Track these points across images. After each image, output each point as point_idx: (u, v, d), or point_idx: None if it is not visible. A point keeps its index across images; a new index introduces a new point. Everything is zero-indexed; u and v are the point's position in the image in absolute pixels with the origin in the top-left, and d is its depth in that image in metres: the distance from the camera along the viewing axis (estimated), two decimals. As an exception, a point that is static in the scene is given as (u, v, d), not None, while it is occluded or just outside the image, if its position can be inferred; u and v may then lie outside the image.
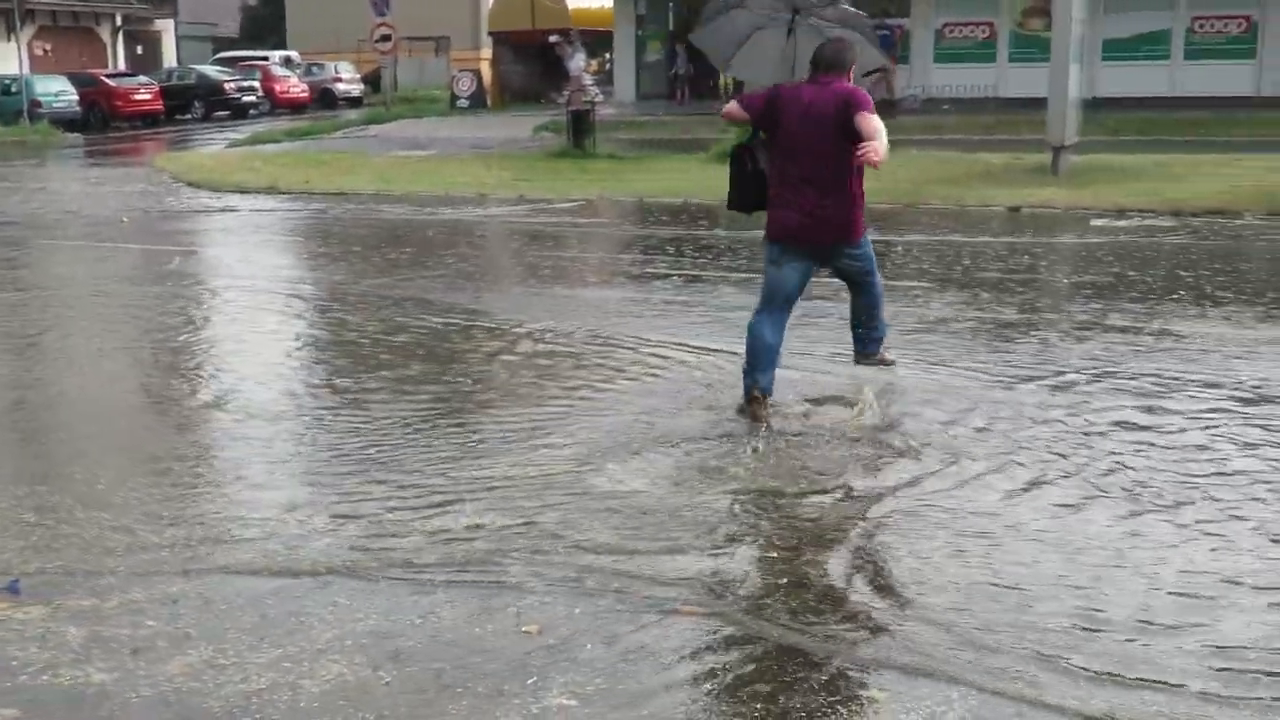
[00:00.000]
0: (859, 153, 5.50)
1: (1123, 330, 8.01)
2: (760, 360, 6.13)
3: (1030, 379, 6.83)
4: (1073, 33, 16.04)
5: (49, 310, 9.63)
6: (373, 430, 6.10)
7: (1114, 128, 21.69)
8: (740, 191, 6.50)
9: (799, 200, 6.04)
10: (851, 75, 6.16)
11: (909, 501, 4.98)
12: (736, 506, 5.01)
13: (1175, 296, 9.18)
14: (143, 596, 4.16)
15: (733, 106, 6.34)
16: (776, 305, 6.23)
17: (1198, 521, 4.68)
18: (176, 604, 4.10)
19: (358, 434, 6.06)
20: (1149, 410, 6.13)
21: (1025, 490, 5.06)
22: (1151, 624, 3.85)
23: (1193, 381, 6.64)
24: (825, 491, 5.18)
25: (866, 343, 6.46)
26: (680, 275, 10.60)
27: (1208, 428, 5.82)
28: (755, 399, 6.10)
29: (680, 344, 7.76)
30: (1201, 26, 26.43)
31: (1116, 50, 26.73)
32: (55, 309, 9.69)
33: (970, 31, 27.82)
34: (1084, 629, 3.82)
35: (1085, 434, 5.77)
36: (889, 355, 6.61)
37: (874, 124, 5.61)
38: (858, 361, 6.54)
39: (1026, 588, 4.14)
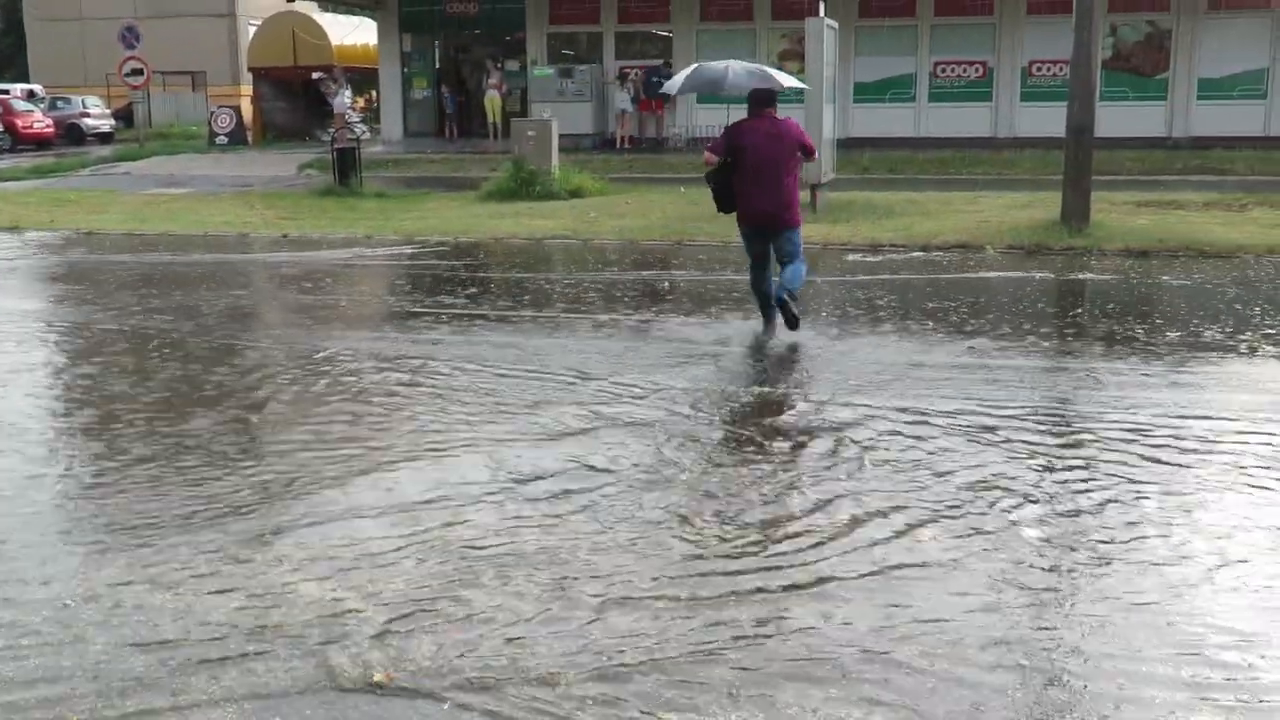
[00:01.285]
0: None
1: (863, 344, 8.42)
2: (765, 297, 9.32)
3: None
4: (825, 75, 16.58)
5: None
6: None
7: (866, 166, 22.58)
8: (724, 202, 9.37)
9: (753, 198, 9.04)
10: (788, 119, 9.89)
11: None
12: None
13: (920, 326, 9.67)
14: None
15: (709, 155, 9.32)
16: (757, 264, 9.35)
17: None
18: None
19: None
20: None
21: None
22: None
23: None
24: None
25: (785, 310, 8.88)
26: (445, 313, 10.52)
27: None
28: (766, 321, 9.41)
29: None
30: (943, 71, 27.69)
31: (866, 93, 27.85)
32: None
33: (730, 73, 28.57)
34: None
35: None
36: (795, 309, 8.90)
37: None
38: (780, 306, 8.95)
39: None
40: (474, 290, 12.02)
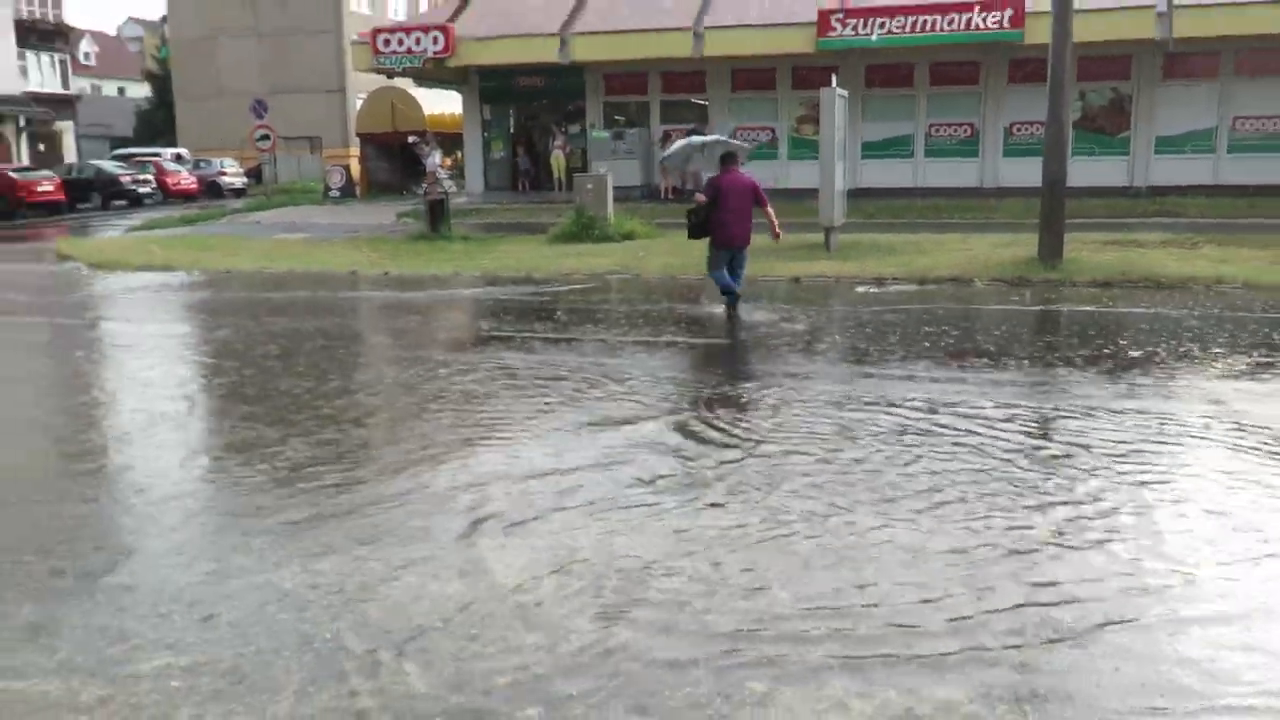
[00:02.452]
0: (766, 211, 11.51)
1: (876, 361, 8.42)
2: (726, 286, 11.37)
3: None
4: (836, 136, 16.61)
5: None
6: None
7: (872, 212, 22.59)
8: (698, 229, 11.44)
9: (729, 228, 11.24)
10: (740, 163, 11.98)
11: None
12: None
13: (914, 344, 9.66)
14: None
15: (700, 197, 11.51)
16: (720, 268, 11.42)
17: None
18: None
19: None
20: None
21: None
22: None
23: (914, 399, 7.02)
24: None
25: (736, 293, 11.43)
26: (522, 334, 10.65)
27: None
28: (730, 303, 11.47)
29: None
30: (937, 131, 27.71)
31: (872, 150, 27.87)
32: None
33: (756, 135, 28.67)
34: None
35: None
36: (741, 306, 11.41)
37: (765, 196, 11.52)
38: (732, 302, 11.44)
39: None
40: (544, 315, 12.14)
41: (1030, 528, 5.02)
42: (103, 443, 7.21)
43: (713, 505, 5.42)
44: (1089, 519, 5.13)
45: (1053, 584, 4.39)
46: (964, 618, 4.09)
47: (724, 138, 13.28)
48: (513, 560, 4.74)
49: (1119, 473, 5.80)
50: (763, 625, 4.07)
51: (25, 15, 48.00)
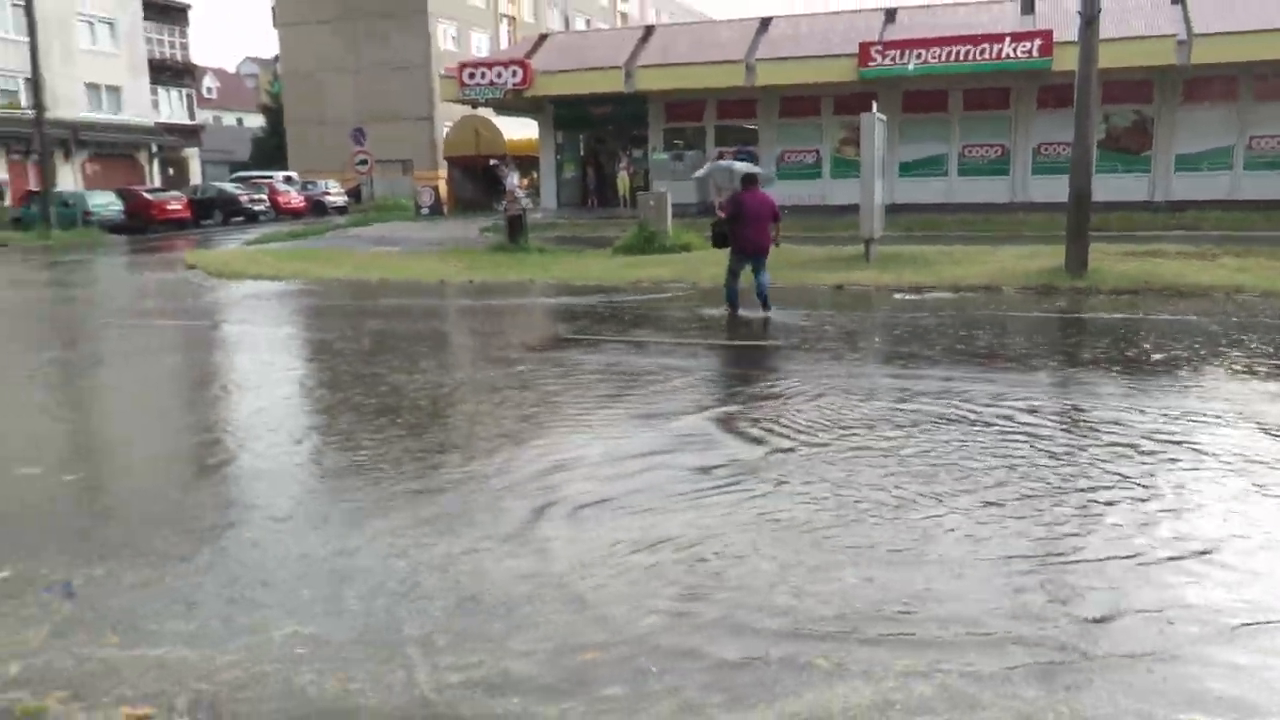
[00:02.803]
0: (776, 225, 11.76)
1: (913, 364, 8.30)
2: (734, 297, 11.77)
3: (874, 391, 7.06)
4: (876, 157, 16.47)
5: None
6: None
7: (908, 226, 22.28)
8: (720, 239, 11.99)
9: (749, 238, 11.55)
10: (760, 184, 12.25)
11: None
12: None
13: (949, 347, 9.51)
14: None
15: (721, 213, 12.11)
16: (735, 276, 11.73)
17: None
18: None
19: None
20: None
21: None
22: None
23: (952, 393, 6.90)
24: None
25: (765, 302, 11.58)
26: (593, 335, 10.68)
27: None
28: (732, 310, 11.76)
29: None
30: (970, 152, 27.33)
31: (908, 169, 27.55)
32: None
33: (802, 157, 28.49)
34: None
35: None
36: (771, 312, 11.50)
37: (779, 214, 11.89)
38: (762, 299, 11.59)
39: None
40: (611, 319, 12.15)
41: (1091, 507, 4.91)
42: (223, 425, 7.35)
43: (778, 487, 5.37)
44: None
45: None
46: (1022, 590, 4.01)
47: (754, 167, 13.82)
48: (594, 537, 4.73)
49: (1159, 460, 5.66)
50: (829, 606, 3.99)
51: (157, 56, 49.31)
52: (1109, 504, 5.04)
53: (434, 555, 4.56)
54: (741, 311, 11.70)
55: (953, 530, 4.72)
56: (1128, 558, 4.36)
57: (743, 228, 11.58)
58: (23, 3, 30.74)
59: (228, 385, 9.04)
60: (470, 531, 4.86)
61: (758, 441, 6.30)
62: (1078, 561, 4.36)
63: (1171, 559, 4.35)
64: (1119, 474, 5.50)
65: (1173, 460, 5.77)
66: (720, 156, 28.11)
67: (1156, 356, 8.90)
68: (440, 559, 4.52)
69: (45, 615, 4.00)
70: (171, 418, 7.87)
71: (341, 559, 4.56)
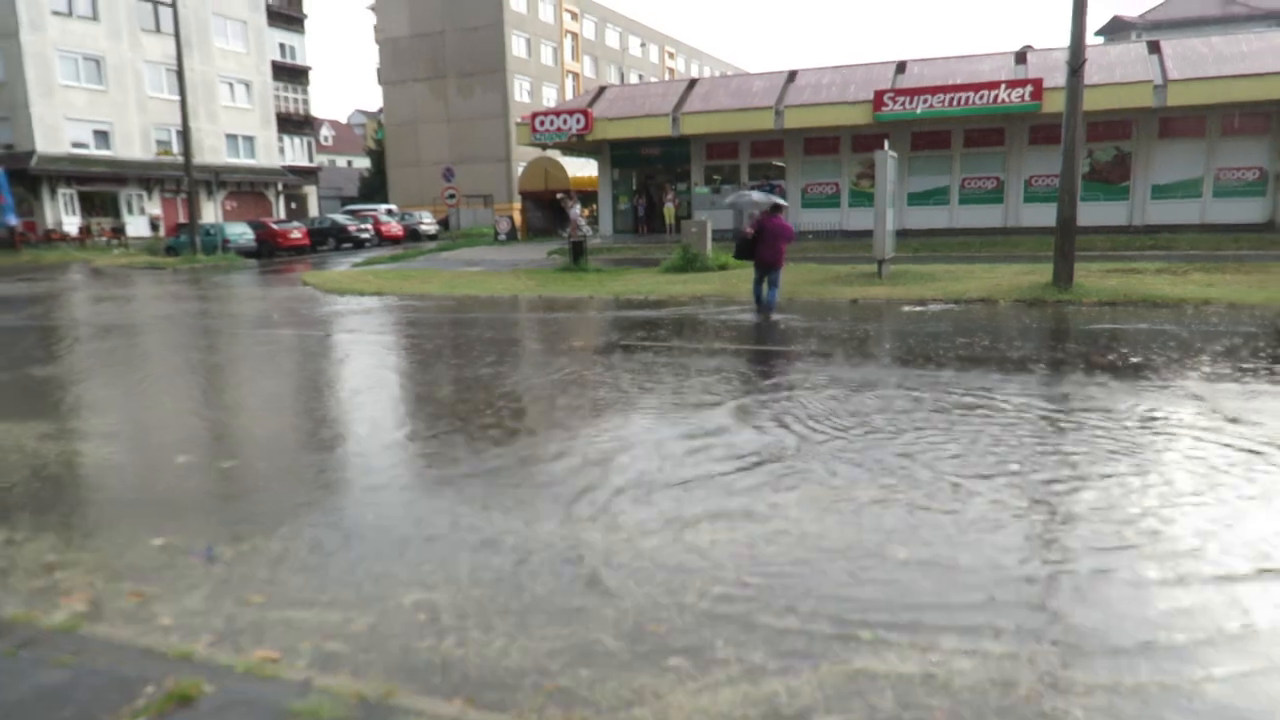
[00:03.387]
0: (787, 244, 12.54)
1: (922, 363, 8.16)
2: (759, 298, 12.67)
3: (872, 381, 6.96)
4: (887, 188, 16.31)
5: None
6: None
7: (916, 248, 22.02)
8: (742, 251, 12.68)
9: (768, 253, 12.41)
10: (785, 214, 13.03)
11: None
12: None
13: (952, 350, 9.35)
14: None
15: (747, 231, 12.64)
16: (759, 283, 12.66)
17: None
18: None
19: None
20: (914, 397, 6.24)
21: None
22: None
23: (963, 388, 6.77)
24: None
25: (770, 306, 12.37)
26: (645, 341, 10.68)
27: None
28: (757, 307, 12.61)
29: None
30: (969, 183, 26.90)
31: (916, 198, 27.19)
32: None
33: (824, 189, 28.24)
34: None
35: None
36: (775, 316, 12.06)
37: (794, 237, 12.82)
38: (767, 312, 12.31)
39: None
40: (659, 325, 12.13)
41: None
42: (333, 414, 7.48)
43: (798, 472, 5.33)
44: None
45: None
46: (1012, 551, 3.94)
47: (772, 197, 13.70)
48: (649, 514, 4.73)
49: (1132, 443, 5.52)
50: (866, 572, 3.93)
51: (283, 110, 50.44)
52: (1093, 478, 4.94)
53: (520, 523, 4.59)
54: (773, 314, 12.44)
55: (959, 507, 4.66)
56: (1111, 522, 4.26)
57: (760, 246, 12.49)
58: (176, 68, 31.64)
59: (333, 381, 9.20)
60: (566, 501, 4.89)
61: (786, 427, 6.25)
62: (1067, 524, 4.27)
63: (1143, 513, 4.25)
64: (1108, 451, 5.38)
65: (1150, 436, 5.63)
66: (754, 190, 28.05)
67: (1134, 359, 8.67)
68: (527, 525, 4.55)
69: (201, 578, 4.10)
70: (283, 405, 8.01)
71: (450, 533, 4.62)
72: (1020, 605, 3.55)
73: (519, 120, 34.92)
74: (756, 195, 14.62)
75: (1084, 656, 3.16)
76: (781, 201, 13.32)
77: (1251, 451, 5.46)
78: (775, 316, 12.41)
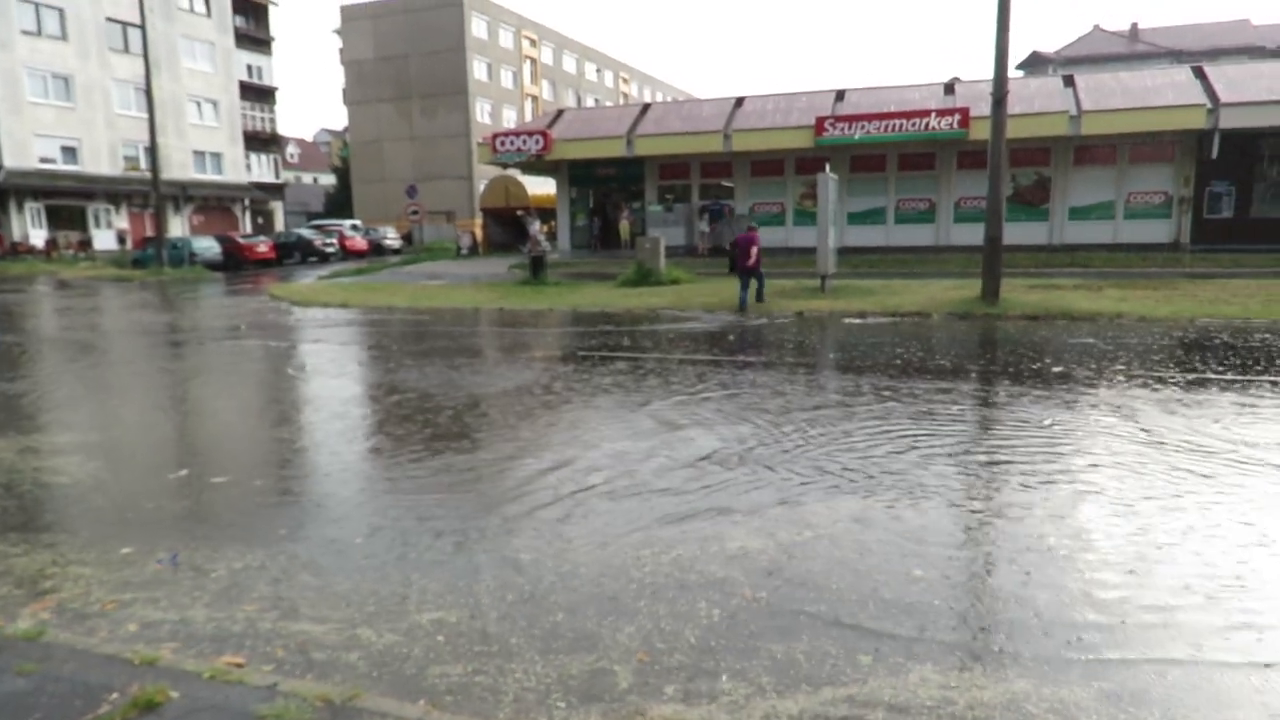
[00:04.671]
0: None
1: (853, 372, 8.26)
2: (742, 298, 14.52)
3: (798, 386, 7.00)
4: (829, 208, 16.50)
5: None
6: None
7: (855, 264, 22.32)
8: (730, 262, 14.93)
9: (738, 261, 14.59)
10: (753, 230, 15.08)
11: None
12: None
13: (885, 360, 9.49)
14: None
15: (742, 247, 14.76)
16: (745, 285, 14.58)
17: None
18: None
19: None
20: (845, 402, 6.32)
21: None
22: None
23: (880, 393, 6.86)
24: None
25: (760, 296, 14.79)
26: (601, 351, 10.64)
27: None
28: (742, 310, 14.25)
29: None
30: (904, 204, 27.33)
31: (856, 218, 27.54)
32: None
33: (770, 208, 28.53)
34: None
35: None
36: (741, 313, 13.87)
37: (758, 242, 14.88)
38: (758, 301, 14.74)
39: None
40: (614, 336, 12.12)
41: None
42: (299, 418, 7.31)
43: (763, 467, 5.36)
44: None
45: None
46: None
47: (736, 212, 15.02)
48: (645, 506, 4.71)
49: (1047, 439, 5.65)
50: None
51: (250, 128, 49.43)
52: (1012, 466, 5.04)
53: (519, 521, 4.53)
54: (737, 326, 12.65)
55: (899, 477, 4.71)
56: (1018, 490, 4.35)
57: (741, 255, 14.91)
58: (145, 87, 30.84)
59: (300, 387, 9.00)
60: (549, 512, 4.83)
61: (737, 430, 6.27)
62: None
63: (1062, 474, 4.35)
64: (1030, 442, 5.50)
65: (1070, 431, 5.78)
66: (703, 209, 28.29)
67: (1055, 368, 8.88)
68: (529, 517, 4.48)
69: (202, 589, 3.97)
70: (261, 414, 7.81)
71: (415, 509, 4.55)
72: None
73: (480, 140, 34.64)
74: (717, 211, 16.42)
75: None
76: (750, 223, 14.71)
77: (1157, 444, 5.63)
78: (734, 322, 13.12)
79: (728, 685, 3.01)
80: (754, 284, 15.10)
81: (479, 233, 39.76)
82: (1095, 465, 5.41)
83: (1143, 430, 6.20)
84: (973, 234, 23.61)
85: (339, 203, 60.52)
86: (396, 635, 3.42)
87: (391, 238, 43.69)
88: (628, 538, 4.35)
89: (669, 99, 60.89)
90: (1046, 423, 6.44)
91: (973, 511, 4.62)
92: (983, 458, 5.59)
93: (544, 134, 28.72)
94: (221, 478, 5.70)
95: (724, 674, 3.08)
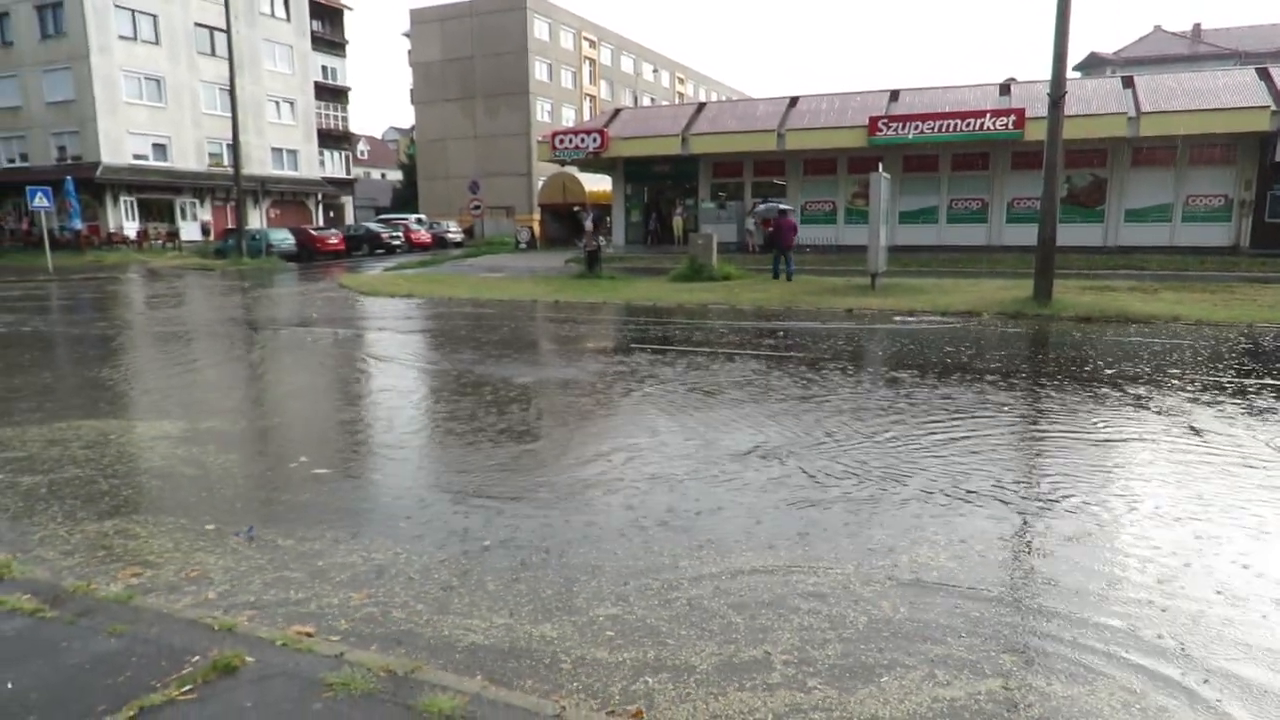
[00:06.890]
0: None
1: (908, 368, 8.10)
2: (775, 270, 18.15)
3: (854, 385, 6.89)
4: (881, 207, 16.23)
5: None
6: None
7: (906, 263, 21.87)
8: (767, 241, 19.18)
9: (778, 240, 18.42)
10: (791, 218, 19.14)
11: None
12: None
13: (938, 361, 9.28)
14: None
15: (783, 230, 18.36)
16: (776, 258, 18.27)
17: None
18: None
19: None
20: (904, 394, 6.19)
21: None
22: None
23: (933, 397, 6.71)
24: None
25: (789, 275, 17.23)
26: (653, 344, 10.63)
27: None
28: (775, 275, 18.11)
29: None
30: (956, 204, 26.74)
31: (907, 217, 27.03)
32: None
33: (821, 206, 28.14)
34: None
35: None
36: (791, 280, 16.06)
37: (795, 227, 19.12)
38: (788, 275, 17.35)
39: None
40: (665, 330, 12.09)
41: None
42: (367, 400, 7.44)
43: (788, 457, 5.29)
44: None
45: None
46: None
47: (781, 205, 15.70)
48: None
49: (1097, 439, 5.47)
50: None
51: (324, 126, 50.56)
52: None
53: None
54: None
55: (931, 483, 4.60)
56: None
57: (775, 235, 18.12)
58: (228, 88, 31.78)
59: (367, 370, 9.17)
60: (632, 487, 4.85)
61: (783, 420, 6.21)
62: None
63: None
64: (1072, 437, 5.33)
65: (1120, 428, 5.57)
66: (754, 205, 28.06)
67: (1108, 372, 8.59)
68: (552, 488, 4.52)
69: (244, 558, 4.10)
70: (329, 394, 7.98)
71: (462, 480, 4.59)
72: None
73: (540, 138, 34.89)
74: (761, 207, 15.80)
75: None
76: (786, 206, 14.23)
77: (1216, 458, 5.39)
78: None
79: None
80: (783, 262, 18.38)
81: (537, 228, 40.02)
82: None
83: None
84: (1025, 234, 22.98)
85: (405, 198, 61.57)
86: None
87: (454, 231, 44.26)
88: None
89: (724, 98, 60.40)
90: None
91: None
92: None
93: (601, 132, 28.78)
94: (323, 469, 5.86)
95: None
